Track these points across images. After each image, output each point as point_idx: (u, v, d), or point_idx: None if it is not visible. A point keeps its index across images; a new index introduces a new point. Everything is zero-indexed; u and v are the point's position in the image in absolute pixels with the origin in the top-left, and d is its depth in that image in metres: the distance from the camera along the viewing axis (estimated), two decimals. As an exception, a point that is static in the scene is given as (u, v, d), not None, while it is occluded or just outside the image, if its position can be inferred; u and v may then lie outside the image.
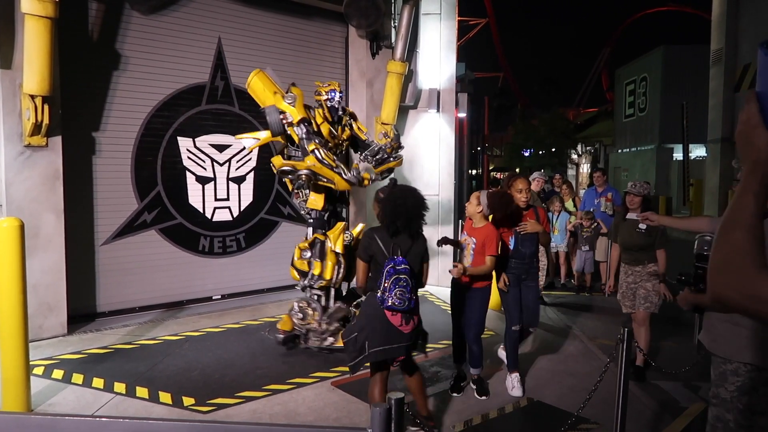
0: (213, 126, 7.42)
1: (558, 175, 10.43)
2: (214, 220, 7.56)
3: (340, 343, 5.08)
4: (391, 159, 6.02)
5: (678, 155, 25.00)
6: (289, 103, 5.56)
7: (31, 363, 4.19)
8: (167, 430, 1.68)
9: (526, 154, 40.07)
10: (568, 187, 9.90)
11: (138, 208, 6.91)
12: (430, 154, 8.92)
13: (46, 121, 5.53)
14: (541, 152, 38.49)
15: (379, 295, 3.51)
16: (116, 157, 6.72)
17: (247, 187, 7.84)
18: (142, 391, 4.57)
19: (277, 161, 5.65)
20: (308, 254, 5.68)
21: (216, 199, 7.56)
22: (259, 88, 5.73)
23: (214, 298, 7.51)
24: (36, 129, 5.57)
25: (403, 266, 3.54)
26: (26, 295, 4.04)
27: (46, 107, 5.49)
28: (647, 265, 5.14)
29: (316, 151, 5.39)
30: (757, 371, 2.62)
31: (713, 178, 17.31)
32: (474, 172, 12.68)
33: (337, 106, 5.66)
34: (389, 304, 3.47)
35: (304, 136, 5.49)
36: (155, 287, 7.06)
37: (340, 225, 5.76)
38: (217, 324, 6.39)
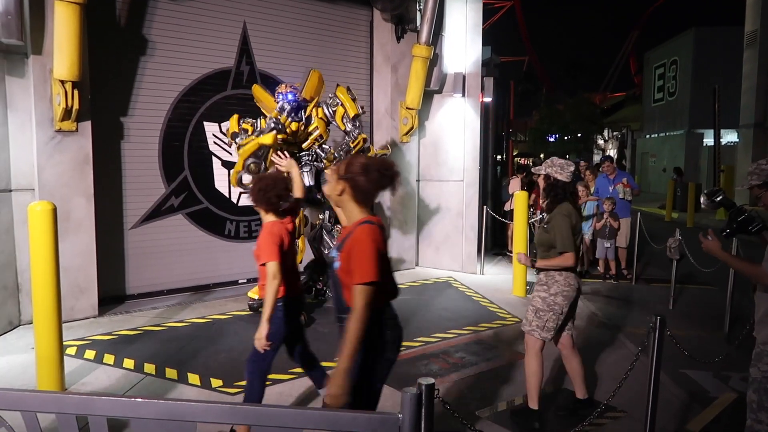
0: (239, 111, 7.42)
1: (583, 162, 10.27)
2: (239, 204, 7.63)
3: None
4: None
5: (708, 141, 24.44)
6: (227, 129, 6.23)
7: (64, 343, 4.29)
8: (199, 412, 1.70)
9: (551, 139, 39.55)
10: (592, 174, 9.76)
11: (165, 192, 6.99)
12: (455, 140, 8.85)
13: (76, 106, 5.60)
14: (566, 137, 37.95)
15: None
16: (144, 142, 6.80)
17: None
18: (171, 373, 4.65)
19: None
20: None
21: (241, 184, 7.61)
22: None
23: (240, 281, 7.60)
24: (66, 114, 5.65)
25: None
26: (59, 277, 4.13)
27: (76, 92, 5.57)
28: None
29: (239, 148, 5.94)
30: None
31: (745, 165, 16.90)
32: (499, 157, 12.53)
33: (291, 105, 5.99)
34: None
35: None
36: (182, 271, 7.17)
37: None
38: (243, 307, 6.46)
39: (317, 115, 6.25)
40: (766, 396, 2.72)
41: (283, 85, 6.16)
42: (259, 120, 6.07)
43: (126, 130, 6.66)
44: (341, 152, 6.40)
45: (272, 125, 5.70)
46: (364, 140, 6.50)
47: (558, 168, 3.81)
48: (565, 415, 4.05)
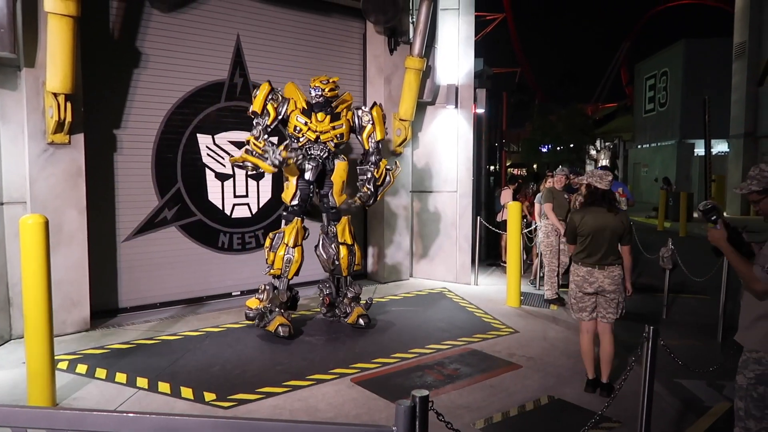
0: (232, 123, 7.46)
1: (573, 176, 10.25)
2: (233, 216, 7.61)
3: (270, 328, 5.82)
4: (387, 182, 6.48)
5: (699, 151, 24.64)
6: (254, 97, 6.05)
7: (55, 358, 4.25)
8: (192, 426, 1.69)
9: (544, 150, 39.74)
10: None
11: (158, 204, 6.97)
12: (448, 151, 8.88)
13: (68, 118, 5.59)
14: (559, 148, 38.15)
15: None
16: (137, 154, 6.78)
17: (266, 183, 7.88)
18: (164, 386, 4.62)
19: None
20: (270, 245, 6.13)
21: (235, 196, 7.60)
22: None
23: (233, 294, 7.56)
24: (59, 127, 5.64)
25: None
26: (51, 290, 4.10)
27: (68, 105, 5.56)
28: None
29: (248, 142, 5.93)
30: None
31: (735, 174, 17.03)
32: (492, 168, 12.59)
33: (317, 100, 6.08)
34: None
35: (253, 126, 6.00)
36: (176, 283, 7.13)
37: (297, 222, 6.10)
38: (236, 320, 6.43)
39: (345, 116, 6.27)
40: (753, 403, 2.73)
41: (314, 79, 6.18)
42: (287, 103, 6.03)
43: (119, 143, 6.65)
44: (364, 179, 6.39)
45: (276, 162, 5.85)
46: (387, 169, 6.47)
47: (597, 178, 4.58)
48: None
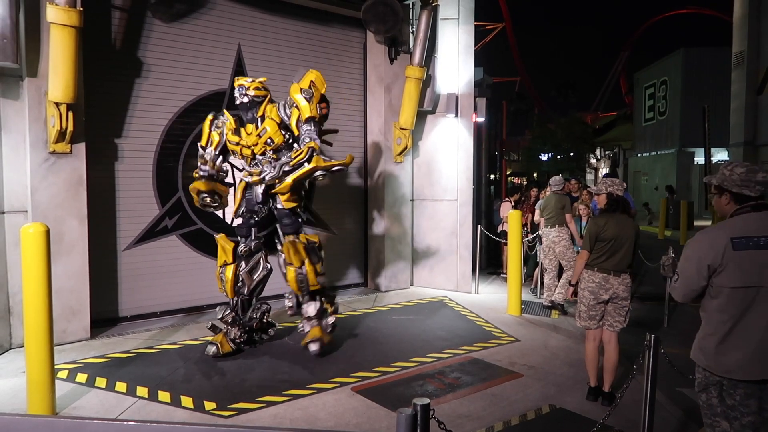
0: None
1: (574, 180, 10.20)
2: (233, 225, 7.60)
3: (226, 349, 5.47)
4: (300, 166, 5.25)
5: (699, 159, 24.68)
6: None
7: (55, 367, 4.24)
8: (193, 435, 1.68)
9: (544, 158, 39.75)
10: (588, 193, 9.73)
11: (159, 213, 6.98)
12: (448, 159, 8.90)
13: (70, 128, 5.62)
14: (559, 156, 38.16)
15: None
16: (138, 163, 6.80)
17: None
18: (164, 395, 4.60)
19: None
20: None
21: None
22: None
23: (233, 302, 7.53)
24: (60, 136, 5.66)
25: None
26: (51, 299, 4.10)
27: (70, 114, 5.58)
28: None
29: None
30: (704, 372, 2.80)
31: (736, 182, 17.03)
32: (493, 177, 12.59)
33: (241, 101, 5.33)
34: None
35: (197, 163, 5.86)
36: (176, 292, 7.13)
37: (219, 239, 5.77)
38: (237, 329, 6.40)
39: (269, 114, 5.41)
40: (703, 411, 2.86)
41: (237, 79, 5.53)
42: (224, 125, 5.57)
43: (120, 152, 6.66)
44: (278, 166, 5.31)
45: (200, 173, 5.78)
46: (312, 150, 5.20)
47: (617, 186, 4.72)
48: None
